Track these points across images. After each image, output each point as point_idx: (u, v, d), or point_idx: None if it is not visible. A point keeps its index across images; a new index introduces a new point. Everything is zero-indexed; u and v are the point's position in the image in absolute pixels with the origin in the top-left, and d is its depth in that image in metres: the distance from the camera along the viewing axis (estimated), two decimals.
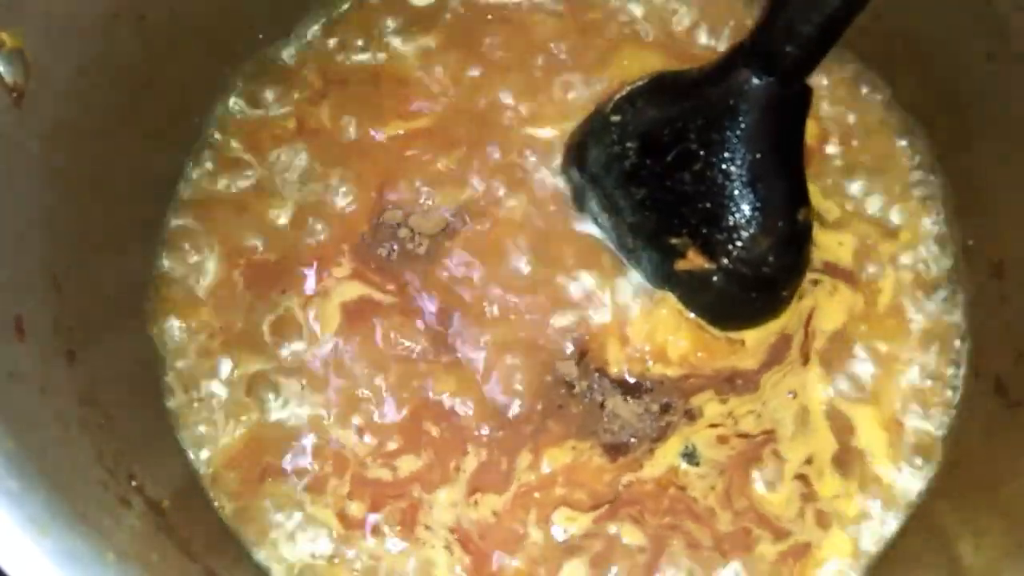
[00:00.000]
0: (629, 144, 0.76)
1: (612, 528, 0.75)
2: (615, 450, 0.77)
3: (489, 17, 0.88)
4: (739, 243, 0.72)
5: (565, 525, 0.75)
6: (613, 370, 0.78)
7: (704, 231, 0.73)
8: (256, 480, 0.76)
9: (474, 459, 0.77)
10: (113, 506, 0.62)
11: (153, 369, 0.78)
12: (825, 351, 0.79)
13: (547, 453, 0.76)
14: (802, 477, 0.76)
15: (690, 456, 0.77)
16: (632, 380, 0.78)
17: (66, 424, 0.63)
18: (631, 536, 0.75)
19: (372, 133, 0.84)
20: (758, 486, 0.76)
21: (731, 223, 0.72)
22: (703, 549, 0.75)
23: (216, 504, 0.76)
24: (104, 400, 0.68)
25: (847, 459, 0.77)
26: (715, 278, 0.74)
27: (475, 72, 0.86)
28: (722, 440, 0.77)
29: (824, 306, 0.80)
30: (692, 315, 0.79)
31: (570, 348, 0.79)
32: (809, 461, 0.77)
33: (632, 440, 0.77)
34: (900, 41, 0.80)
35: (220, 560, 0.70)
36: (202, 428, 0.77)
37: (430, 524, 0.75)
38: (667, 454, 0.77)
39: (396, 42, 0.87)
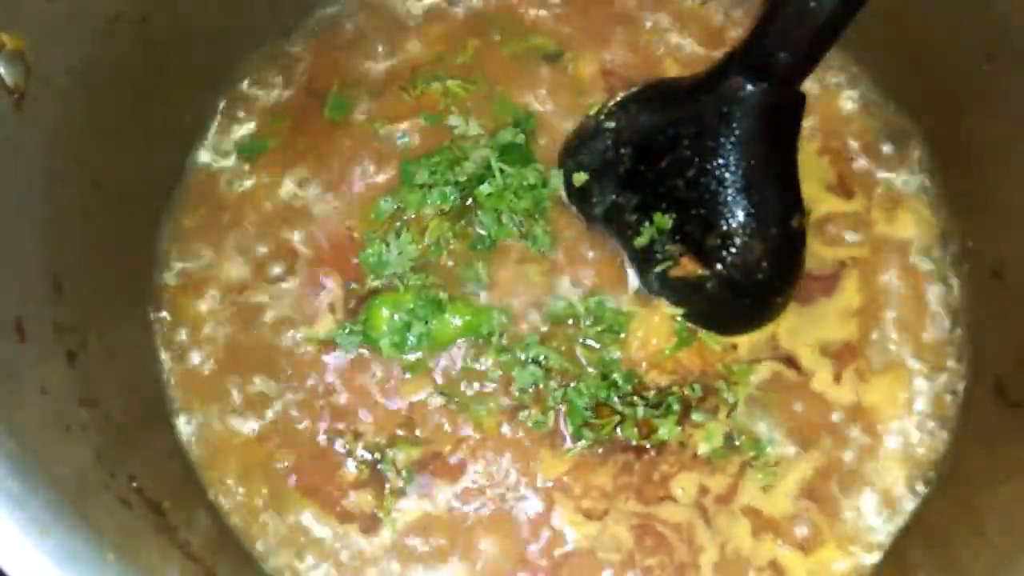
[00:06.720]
0: (623, 150, 0.76)
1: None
2: (638, 454, 0.76)
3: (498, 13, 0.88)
4: (733, 249, 0.72)
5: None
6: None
7: (698, 237, 0.73)
8: (256, 481, 0.76)
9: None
10: (113, 507, 0.62)
11: (153, 369, 0.78)
12: None
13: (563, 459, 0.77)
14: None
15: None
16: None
17: (66, 425, 0.63)
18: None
19: (376, 132, 0.84)
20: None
21: (725, 229, 0.72)
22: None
23: (216, 505, 0.76)
24: (104, 400, 0.68)
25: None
26: (709, 284, 0.74)
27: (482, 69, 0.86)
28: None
29: None
30: (686, 321, 0.78)
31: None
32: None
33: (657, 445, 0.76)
34: (900, 42, 0.80)
35: (220, 560, 0.70)
36: (203, 429, 0.77)
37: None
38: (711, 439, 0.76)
39: (399, 42, 0.87)
